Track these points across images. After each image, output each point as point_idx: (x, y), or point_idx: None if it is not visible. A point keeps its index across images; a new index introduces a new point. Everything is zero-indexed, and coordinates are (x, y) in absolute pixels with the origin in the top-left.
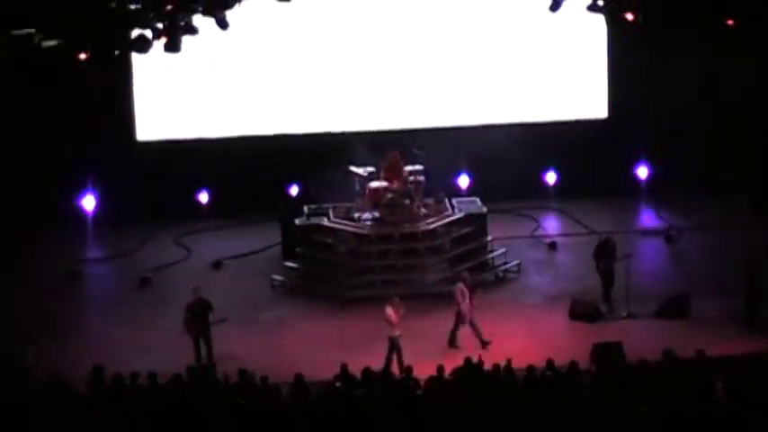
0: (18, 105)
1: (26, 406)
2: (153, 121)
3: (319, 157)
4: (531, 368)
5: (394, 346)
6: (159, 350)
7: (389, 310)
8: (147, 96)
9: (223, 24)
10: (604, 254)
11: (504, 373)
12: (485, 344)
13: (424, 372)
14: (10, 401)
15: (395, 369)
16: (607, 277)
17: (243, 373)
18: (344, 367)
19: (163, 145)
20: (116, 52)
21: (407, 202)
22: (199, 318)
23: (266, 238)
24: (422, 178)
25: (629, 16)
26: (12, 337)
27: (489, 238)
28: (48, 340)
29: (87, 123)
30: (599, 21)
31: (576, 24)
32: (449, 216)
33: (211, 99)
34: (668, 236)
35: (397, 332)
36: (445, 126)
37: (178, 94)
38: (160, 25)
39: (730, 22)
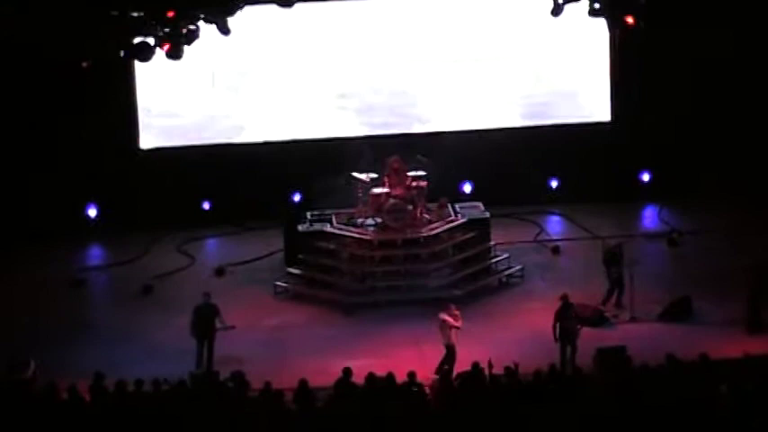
0: (20, 114)
1: (27, 417)
2: (156, 128)
3: (322, 164)
4: (537, 373)
5: (451, 353)
6: (163, 357)
7: (446, 317)
8: (150, 104)
9: (225, 31)
10: (616, 260)
11: (509, 379)
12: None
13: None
14: (11, 413)
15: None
16: (619, 283)
17: (236, 376)
18: (347, 372)
19: (166, 152)
20: (121, 55)
21: (410, 207)
22: (205, 322)
23: (269, 244)
24: (424, 184)
25: (630, 20)
26: (14, 346)
27: (492, 242)
28: (50, 349)
29: (90, 132)
30: (601, 25)
31: (578, 28)
32: (452, 221)
33: (214, 106)
34: (671, 239)
35: (453, 339)
36: (448, 130)
37: (181, 101)
38: (162, 33)
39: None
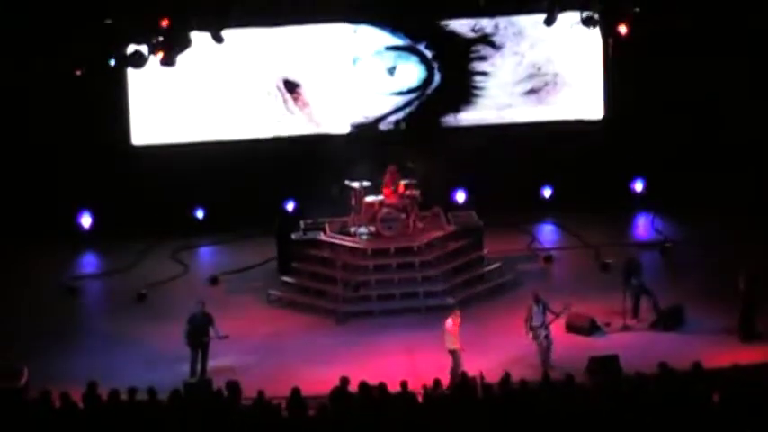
0: (12, 117)
1: (20, 425)
2: (150, 134)
3: (316, 171)
4: (523, 382)
5: (454, 359)
6: (157, 365)
7: (449, 322)
8: (144, 108)
9: (218, 39)
10: (635, 271)
11: (500, 387)
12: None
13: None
14: (4, 421)
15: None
16: (645, 291)
17: (230, 384)
18: (345, 381)
19: (159, 160)
20: (113, 63)
21: (403, 216)
22: (199, 330)
23: (262, 253)
24: (417, 192)
25: (623, 30)
26: (7, 353)
27: (485, 251)
28: (43, 357)
29: (82, 135)
30: (595, 33)
31: (572, 34)
32: (445, 230)
33: (209, 112)
34: (663, 248)
35: (458, 345)
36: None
37: (175, 105)
38: (156, 41)
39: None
